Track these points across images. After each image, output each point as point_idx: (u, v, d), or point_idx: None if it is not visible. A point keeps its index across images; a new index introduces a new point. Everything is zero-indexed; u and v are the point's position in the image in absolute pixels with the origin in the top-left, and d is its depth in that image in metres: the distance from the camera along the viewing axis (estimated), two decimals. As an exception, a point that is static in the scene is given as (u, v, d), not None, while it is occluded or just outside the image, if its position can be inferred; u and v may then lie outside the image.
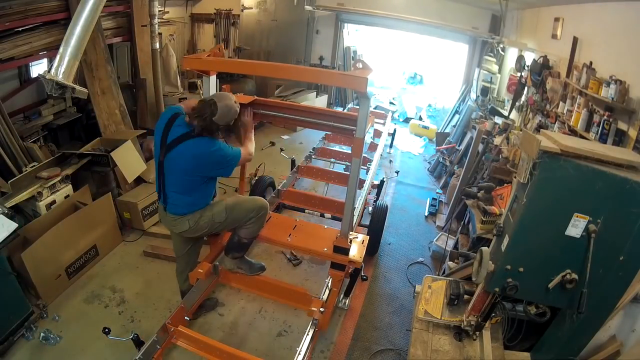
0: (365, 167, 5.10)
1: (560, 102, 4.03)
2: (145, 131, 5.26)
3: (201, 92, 6.29)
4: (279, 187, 4.69)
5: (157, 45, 5.52)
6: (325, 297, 3.23)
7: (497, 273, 2.06)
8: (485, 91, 6.96)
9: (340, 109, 8.10)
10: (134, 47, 5.91)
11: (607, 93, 3.12)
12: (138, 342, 2.64)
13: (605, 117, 3.14)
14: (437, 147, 7.30)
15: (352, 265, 3.08)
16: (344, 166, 5.56)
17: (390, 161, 7.30)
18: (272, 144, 7.26)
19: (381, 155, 6.09)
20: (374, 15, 7.99)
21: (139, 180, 4.68)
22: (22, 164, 3.92)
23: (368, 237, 3.27)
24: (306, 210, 4.61)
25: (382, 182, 5.12)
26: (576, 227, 1.85)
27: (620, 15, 3.43)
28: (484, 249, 2.16)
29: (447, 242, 4.23)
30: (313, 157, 5.63)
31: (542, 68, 4.56)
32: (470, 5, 7.07)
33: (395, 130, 7.63)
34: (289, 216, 4.17)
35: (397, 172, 6.33)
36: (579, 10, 4.16)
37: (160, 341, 2.75)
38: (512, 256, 2.01)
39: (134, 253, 4.15)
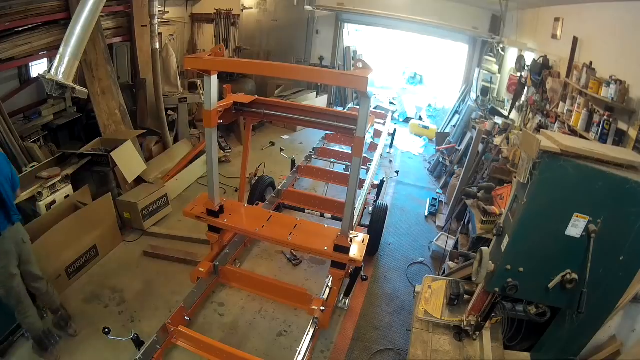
0: (366, 167, 5.11)
1: (560, 102, 4.03)
2: (145, 131, 5.27)
3: (201, 92, 6.29)
4: (279, 187, 4.70)
5: (157, 45, 5.52)
6: (325, 296, 3.23)
7: (497, 273, 2.06)
8: (485, 91, 6.96)
9: (340, 109, 8.10)
10: (134, 47, 5.91)
11: (607, 93, 3.12)
12: (138, 342, 2.64)
13: (605, 117, 3.14)
14: (437, 147, 7.30)
15: (353, 264, 3.08)
16: (344, 166, 5.56)
17: (390, 161, 7.31)
18: (272, 144, 7.25)
19: (381, 155, 6.10)
20: (374, 15, 7.99)
21: (139, 180, 4.68)
22: (22, 164, 3.92)
23: (368, 236, 3.27)
24: (306, 210, 4.62)
25: (382, 182, 5.12)
26: (576, 227, 1.86)
27: (620, 15, 3.42)
28: (484, 249, 2.16)
29: (447, 242, 4.23)
30: (313, 157, 5.64)
31: (542, 68, 4.56)
32: (470, 5, 7.07)
33: (395, 130, 7.64)
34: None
35: (397, 172, 6.34)
36: (579, 10, 4.16)
37: (160, 341, 2.76)
38: (512, 256, 2.01)
39: (134, 253, 4.14)
